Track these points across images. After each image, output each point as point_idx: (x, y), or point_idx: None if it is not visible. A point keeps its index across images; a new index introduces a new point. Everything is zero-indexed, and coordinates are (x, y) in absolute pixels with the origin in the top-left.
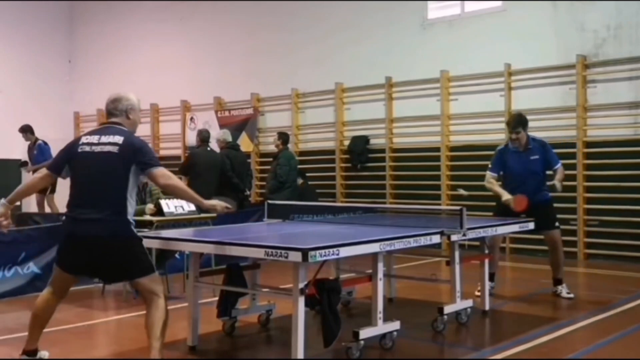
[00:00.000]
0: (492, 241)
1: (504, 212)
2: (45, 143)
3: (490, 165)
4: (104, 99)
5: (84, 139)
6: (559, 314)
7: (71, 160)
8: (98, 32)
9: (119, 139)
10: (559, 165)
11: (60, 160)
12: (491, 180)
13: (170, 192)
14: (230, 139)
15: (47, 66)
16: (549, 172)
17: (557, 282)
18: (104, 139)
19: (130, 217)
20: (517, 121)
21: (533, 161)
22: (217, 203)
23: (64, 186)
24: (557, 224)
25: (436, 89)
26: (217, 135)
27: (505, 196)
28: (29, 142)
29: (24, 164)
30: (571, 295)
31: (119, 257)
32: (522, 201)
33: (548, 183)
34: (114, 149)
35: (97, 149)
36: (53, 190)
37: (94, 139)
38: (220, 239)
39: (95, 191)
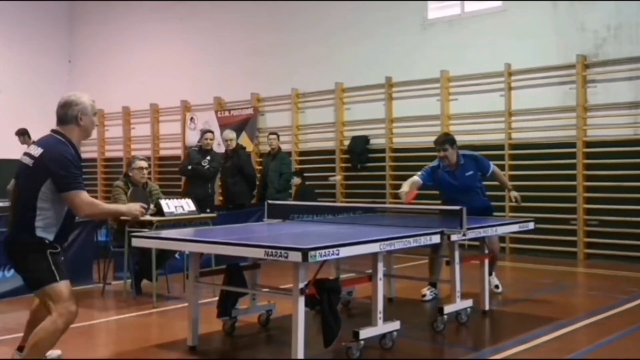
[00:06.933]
0: None
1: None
2: None
3: (421, 172)
4: (104, 99)
5: (29, 148)
6: (559, 314)
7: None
8: (98, 32)
9: (38, 152)
10: (492, 168)
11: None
12: (414, 180)
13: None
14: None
15: (47, 66)
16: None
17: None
18: (31, 149)
19: (40, 228)
20: (444, 139)
21: (468, 177)
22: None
23: None
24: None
25: (436, 89)
26: (225, 135)
27: (402, 188)
28: (25, 146)
29: None
30: None
31: (16, 264)
32: (412, 195)
33: (512, 202)
34: (30, 162)
35: (23, 159)
36: None
37: (30, 148)
38: (220, 239)
39: (12, 199)
